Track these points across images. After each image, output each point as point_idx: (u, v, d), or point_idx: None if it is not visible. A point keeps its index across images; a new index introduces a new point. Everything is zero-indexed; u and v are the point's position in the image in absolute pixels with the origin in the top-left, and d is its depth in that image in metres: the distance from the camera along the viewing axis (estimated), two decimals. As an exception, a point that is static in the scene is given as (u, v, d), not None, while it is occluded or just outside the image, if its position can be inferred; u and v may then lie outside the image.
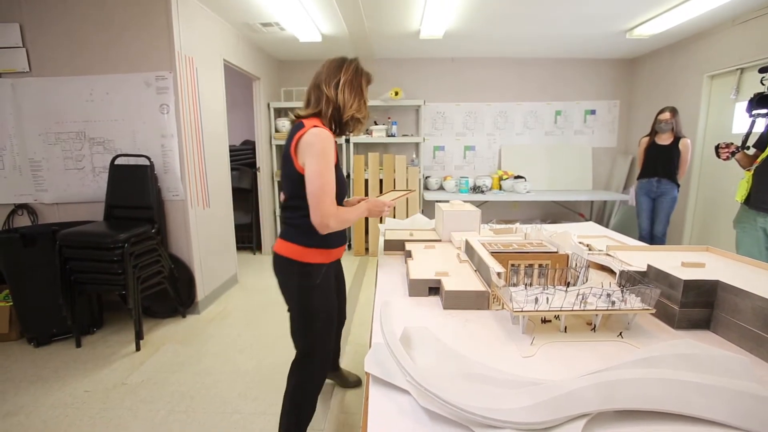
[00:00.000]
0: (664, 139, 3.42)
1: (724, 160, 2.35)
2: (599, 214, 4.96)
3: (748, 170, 2.25)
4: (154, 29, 2.62)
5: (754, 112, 2.24)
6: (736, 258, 1.20)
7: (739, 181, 2.32)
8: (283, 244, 1.37)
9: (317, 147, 1.23)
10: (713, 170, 3.65)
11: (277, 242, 1.41)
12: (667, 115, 3.35)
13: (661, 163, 3.42)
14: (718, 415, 0.62)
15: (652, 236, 3.56)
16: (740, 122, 3.35)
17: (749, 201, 2.22)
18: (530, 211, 5.04)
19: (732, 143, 2.33)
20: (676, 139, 3.37)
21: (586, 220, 4.04)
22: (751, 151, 2.33)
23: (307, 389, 1.46)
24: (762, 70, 2.21)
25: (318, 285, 1.38)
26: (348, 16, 3.20)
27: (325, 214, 1.23)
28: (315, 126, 1.27)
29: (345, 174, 4.03)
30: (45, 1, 2.61)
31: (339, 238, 1.42)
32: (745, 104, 3.24)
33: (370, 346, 0.87)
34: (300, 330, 1.43)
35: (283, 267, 1.38)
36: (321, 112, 1.34)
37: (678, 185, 3.43)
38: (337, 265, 1.63)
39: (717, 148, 2.38)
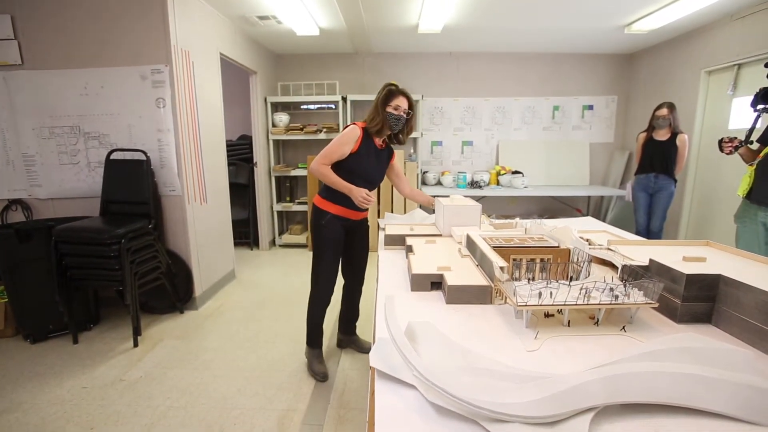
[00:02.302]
0: (662, 135, 3.43)
1: (727, 154, 2.35)
2: (596, 209, 4.99)
3: (751, 165, 2.26)
4: (149, 22, 2.58)
5: (758, 106, 2.24)
6: (737, 252, 1.21)
7: (736, 176, 2.34)
8: (316, 196, 2.02)
9: (341, 134, 1.88)
10: (710, 166, 3.68)
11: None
12: (664, 110, 3.36)
13: (658, 158, 3.43)
14: (722, 407, 0.62)
15: (649, 231, 3.58)
16: (737, 118, 3.37)
17: (751, 195, 2.23)
18: (528, 206, 5.05)
19: (735, 137, 2.33)
20: (674, 134, 3.38)
21: (584, 216, 4.06)
22: (755, 146, 2.33)
23: (314, 305, 2.08)
24: None
25: (323, 226, 1.95)
26: (346, 9, 3.17)
27: (315, 161, 1.86)
28: (353, 123, 1.91)
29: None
30: (37, -8, 2.57)
31: (349, 202, 1.89)
32: (742, 100, 3.27)
33: (373, 342, 0.87)
34: (312, 260, 2.03)
35: (312, 210, 2.03)
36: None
37: (675, 180, 3.45)
38: (353, 227, 2.06)
39: (720, 142, 2.38)
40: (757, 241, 2.22)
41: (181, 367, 2.19)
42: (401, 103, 1.89)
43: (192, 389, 1.99)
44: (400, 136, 1.99)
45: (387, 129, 1.91)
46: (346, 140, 1.85)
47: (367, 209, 2.05)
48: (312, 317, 2.09)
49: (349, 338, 2.37)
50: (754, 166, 2.23)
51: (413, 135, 4.55)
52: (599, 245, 1.36)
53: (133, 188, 2.61)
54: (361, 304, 2.34)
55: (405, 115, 1.91)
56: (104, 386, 2.02)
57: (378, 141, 1.95)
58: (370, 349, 1.83)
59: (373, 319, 1.06)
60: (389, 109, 1.87)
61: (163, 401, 1.90)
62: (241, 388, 2.00)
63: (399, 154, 4.40)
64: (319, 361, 2.11)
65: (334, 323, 2.57)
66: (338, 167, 1.89)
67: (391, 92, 1.88)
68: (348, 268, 2.21)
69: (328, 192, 1.95)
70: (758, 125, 2.31)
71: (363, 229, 2.15)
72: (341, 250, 2.05)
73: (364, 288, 2.30)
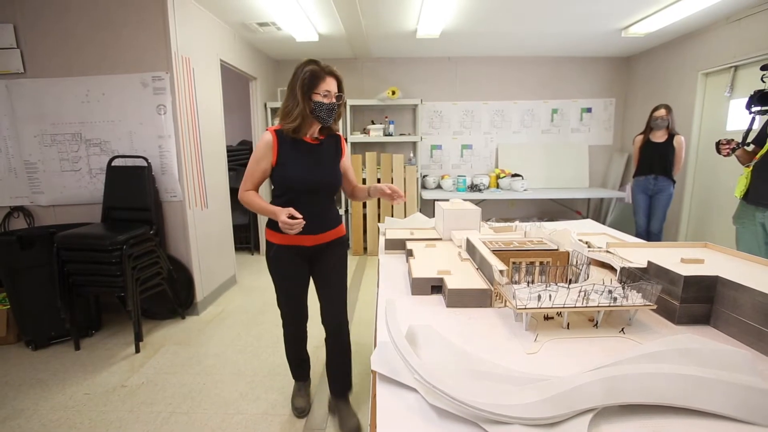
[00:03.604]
0: (659, 137, 3.45)
1: (725, 156, 2.36)
2: (596, 211, 5.00)
3: (747, 166, 2.27)
4: (150, 29, 2.60)
5: (753, 108, 2.25)
6: (735, 254, 1.21)
7: (735, 177, 2.35)
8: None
9: (254, 149, 1.55)
10: (708, 167, 3.69)
11: None
12: (662, 112, 3.38)
13: (656, 160, 3.45)
14: (720, 408, 0.63)
15: (649, 233, 3.59)
16: (734, 119, 3.39)
17: (748, 196, 2.24)
18: (527, 209, 5.06)
19: (732, 139, 2.34)
20: (671, 136, 3.40)
21: (583, 218, 4.07)
22: (750, 148, 2.35)
23: (286, 341, 1.82)
24: (764, 68, 2.22)
25: (271, 258, 1.63)
26: (345, 15, 3.20)
27: (240, 190, 1.59)
28: (267, 128, 1.56)
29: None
30: (40, 1, 2.59)
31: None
32: (739, 101, 3.29)
33: (374, 346, 0.88)
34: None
35: None
36: None
37: (674, 181, 3.46)
38: (316, 253, 1.64)
39: (718, 144, 2.39)
40: (756, 241, 2.23)
41: (183, 372, 2.19)
42: (330, 86, 1.47)
43: (194, 395, 1.99)
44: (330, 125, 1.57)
45: (311, 123, 1.51)
46: (258, 155, 1.52)
47: (333, 229, 1.64)
48: (288, 353, 1.85)
49: (336, 403, 1.79)
50: (751, 168, 2.24)
51: (413, 139, 4.58)
52: (598, 248, 1.36)
53: (134, 194, 2.63)
54: (360, 308, 2.27)
55: (336, 101, 1.50)
56: (106, 392, 2.02)
57: (307, 136, 1.54)
58: (352, 429, 1.65)
59: (374, 323, 1.06)
60: (317, 98, 1.46)
61: (165, 407, 1.90)
62: (244, 393, 2.01)
63: (398, 158, 4.42)
64: (300, 395, 1.87)
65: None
66: (276, 187, 1.57)
67: (315, 75, 1.45)
68: (321, 298, 1.72)
69: (270, 220, 1.59)
70: (754, 126, 2.32)
71: (335, 253, 1.68)
72: (303, 282, 1.67)
73: (362, 292, 2.17)
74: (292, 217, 1.41)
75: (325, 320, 1.72)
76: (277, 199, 1.57)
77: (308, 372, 1.94)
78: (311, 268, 1.68)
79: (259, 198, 1.56)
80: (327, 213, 1.64)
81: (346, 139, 1.73)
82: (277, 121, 1.56)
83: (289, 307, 1.71)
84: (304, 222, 1.42)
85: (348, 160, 1.72)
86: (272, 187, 1.60)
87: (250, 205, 1.56)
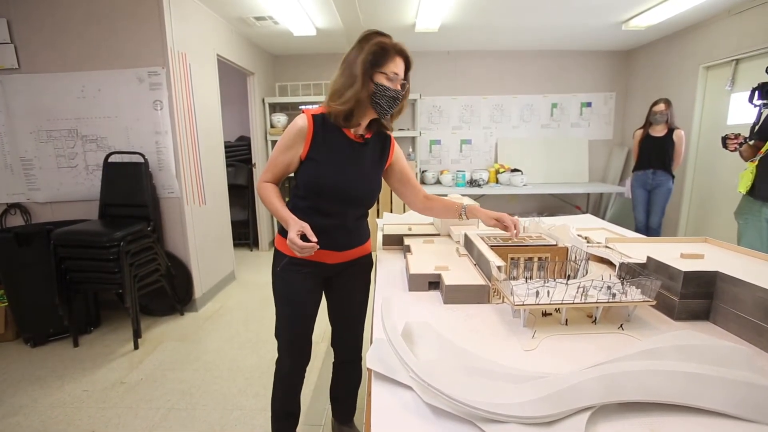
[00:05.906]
0: (658, 131, 3.43)
1: (732, 151, 2.30)
2: (595, 206, 4.98)
3: (752, 161, 2.23)
4: (145, 24, 2.57)
5: (757, 101, 2.21)
6: (735, 249, 1.20)
7: (734, 172, 2.31)
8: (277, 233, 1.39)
9: (284, 132, 1.24)
10: (709, 161, 3.67)
11: None
12: (661, 106, 3.36)
13: (655, 154, 3.43)
14: (720, 405, 0.62)
15: (648, 228, 3.58)
16: (735, 113, 3.36)
17: (753, 191, 2.19)
18: (527, 204, 5.05)
19: (740, 134, 2.28)
20: (670, 130, 3.38)
21: (583, 213, 4.06)
22: (752, 142, 2.31)
23: (275, 379, 1.44)
24: None
25: (279, 273, 1.31)
26: (343, 9, 3.17)
27: (259, 179, 1.30)
28: (303, 110, 1.23)
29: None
30: (33, -5, 2.56)
31: (320, 237, 1.16)
32: (740, 95, 3.26)
33: (371, 342, 0.87)
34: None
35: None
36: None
37: (673, 176, 3.45)
38: (334, 273, 1.36)
39: (725, 138, 2.32)
40: (760, 237, 2.20)
41: (181, 368, 2.19)
42: (399, 68, 1.16)
43: (193, 391, 1.99)
44: (388, 118, 1.24)
45: (365, 113, 1.18)
46: (285, 143, 1.21)
47: (360, 245, 1.36)
48: (274, 401, 1.45)
49: (339, 427, 1.65)
50: (756, 162, 2.20)
51: (412, 134, 4.54)
52: (597, 243, 1.35)
53: (131, 191, 2.61)
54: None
55: (401, 89, 1.18)
56: (105, 389, 2.02)
57: (352, 131, 1.23)
58: None
59: (371, 320, 1.06)
60: (381, 79, 1.14)
61: (164, 403, 1.90)
62: (242, 388, 2.01)
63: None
64: None
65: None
66: (299, 187, 1.26)
67: (384, 49, 1.13)
68: (335, 324, 1.49)
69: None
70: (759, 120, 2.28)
71: (358, 274, 1.40)
72: (314, 309, 1.36)
73: None
74: (304, 236, 1.12)
75: (337, 348, 1.53)
76: (299, 200, 1.25)
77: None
78: (326, 288, 1.41)
79: (276, 196, 1.26)
80: (357, 228, 1.34)
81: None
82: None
83: (290, 339, 1.35)
84: (317, 247, 1.13)
85: (404, 161, 1.37)
86: (294, 182, 1.27)
87: (263, 201, 1.27)
